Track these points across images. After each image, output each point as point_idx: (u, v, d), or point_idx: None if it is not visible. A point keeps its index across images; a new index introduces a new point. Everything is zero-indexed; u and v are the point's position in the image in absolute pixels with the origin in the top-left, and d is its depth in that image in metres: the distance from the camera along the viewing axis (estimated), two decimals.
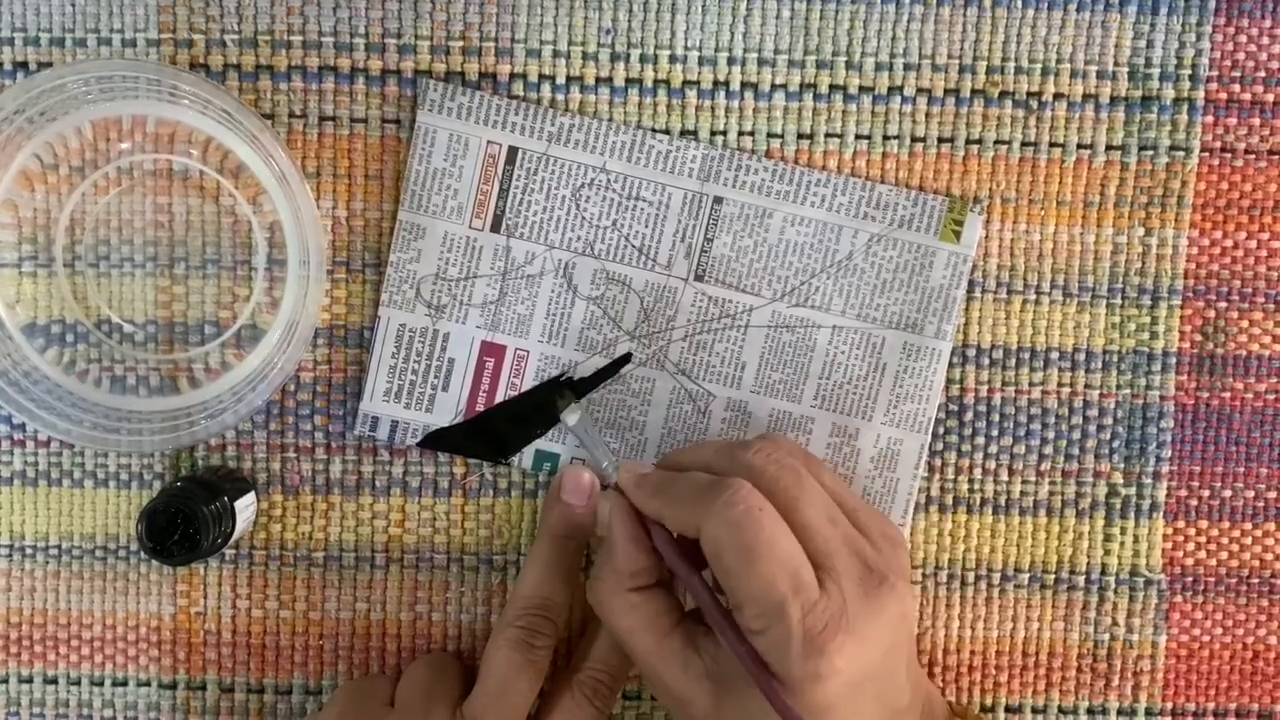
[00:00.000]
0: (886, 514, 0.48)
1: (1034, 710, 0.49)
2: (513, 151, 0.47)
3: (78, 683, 0.49)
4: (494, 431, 0.48)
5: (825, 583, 0.38)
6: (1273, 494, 0.49)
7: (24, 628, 0.48)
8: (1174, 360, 0.48)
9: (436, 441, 0.48)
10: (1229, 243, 0.48)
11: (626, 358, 0.47)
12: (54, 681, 0.49)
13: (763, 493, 0.39)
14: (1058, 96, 0.47)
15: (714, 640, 0.41)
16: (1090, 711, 0.49)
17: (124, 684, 0.49)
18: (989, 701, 0.49)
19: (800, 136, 0.47)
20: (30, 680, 0.48)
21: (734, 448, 0.42)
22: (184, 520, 0.43)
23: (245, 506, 0.46)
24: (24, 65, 0.46)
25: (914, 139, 0.47)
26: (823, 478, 0.42)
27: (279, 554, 0.48)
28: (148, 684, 0.49)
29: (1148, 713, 0.49)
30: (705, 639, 0.41)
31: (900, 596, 0.40)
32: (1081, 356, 0.48)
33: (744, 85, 0.47)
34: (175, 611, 0.48)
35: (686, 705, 0.41)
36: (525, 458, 0.48)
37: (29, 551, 0.48)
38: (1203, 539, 0.49)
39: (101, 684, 0.49)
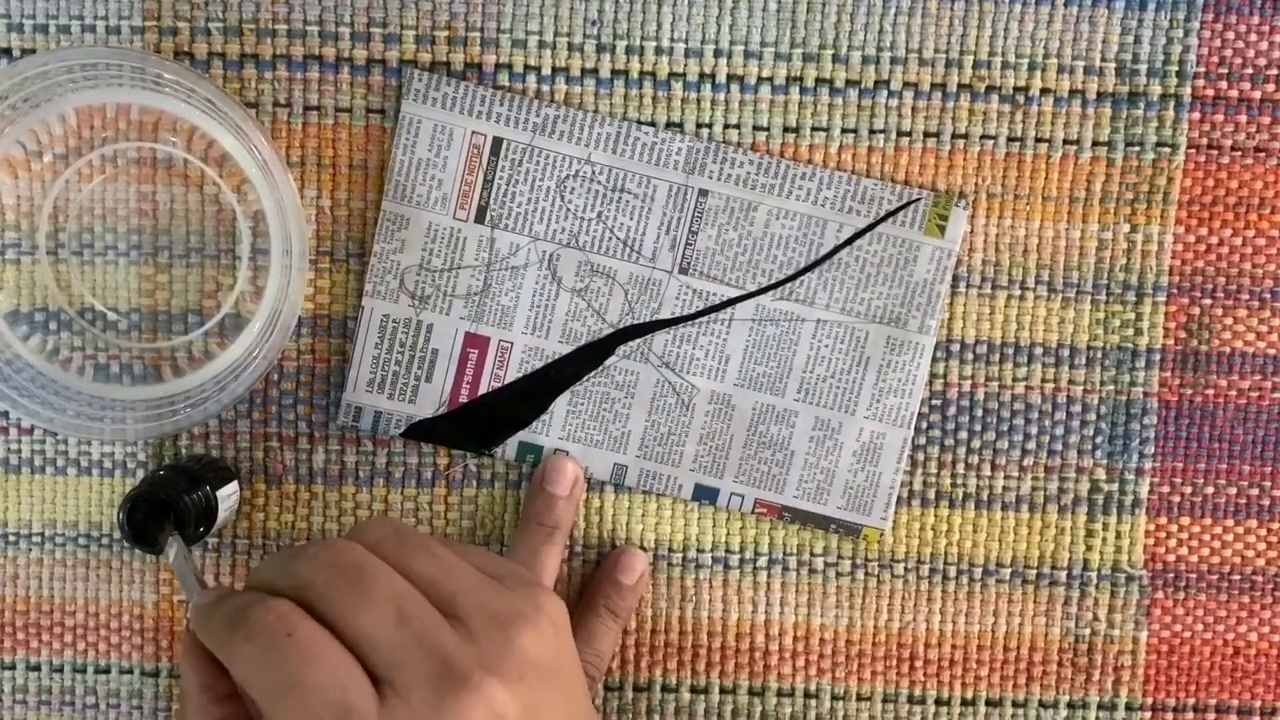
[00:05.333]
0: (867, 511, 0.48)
1: (1015, 704, 0.49)
2: (497, 142, 0.46)
3: (60, 670, 0.49)
4: (478, 422, 0.48)
5: (389, 699, 0.32)
6: (1255, 491, 0.49)
7: (7, 615, 0.48)
8: (1158, 357, 0.48)
9: (420, 432, 0.48)
10: (1214, 239, 0.48)
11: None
12: (37, 669, 0.49)
13: (317, 606, 0.33)
14: (1044, 92, 0.47)
15: None
16: (1071, 706, 0.49)
17: (106, 671, 0.49)
18: (969, 695, 0.49)
19: (786, 130, 0.47)
20: (13, 667, 0.49)
21: (292, 558, 0.35)
22: (166, 509, 0.43)
23: (228, 495, 0.46)
24: (7, 51, 0.46)
25: (900, 133, 0.47)
26: (413, 563, 0.35)
27: (261, 543, 0.48)
28: (130, 671, 0.49)
29: (1128, 708, 0.49)
30: None
31: (487, 697, 0.33)
32: (1065, 352, 0.48)
33: (730, 78, 0.47)
34: (158, 599, 0.48)
35: None
36: (509, 449, 0.48)
37: (12, 539, 0.48)
38: (1185, 535, 0.49)
39: (84, 671, 0.49)
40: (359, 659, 0.33)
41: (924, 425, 0.48)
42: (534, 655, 0.34)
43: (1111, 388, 0.48)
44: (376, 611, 0.33)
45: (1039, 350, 0.48)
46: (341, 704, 0.32)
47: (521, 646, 0.34)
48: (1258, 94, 0.47)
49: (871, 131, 0.47)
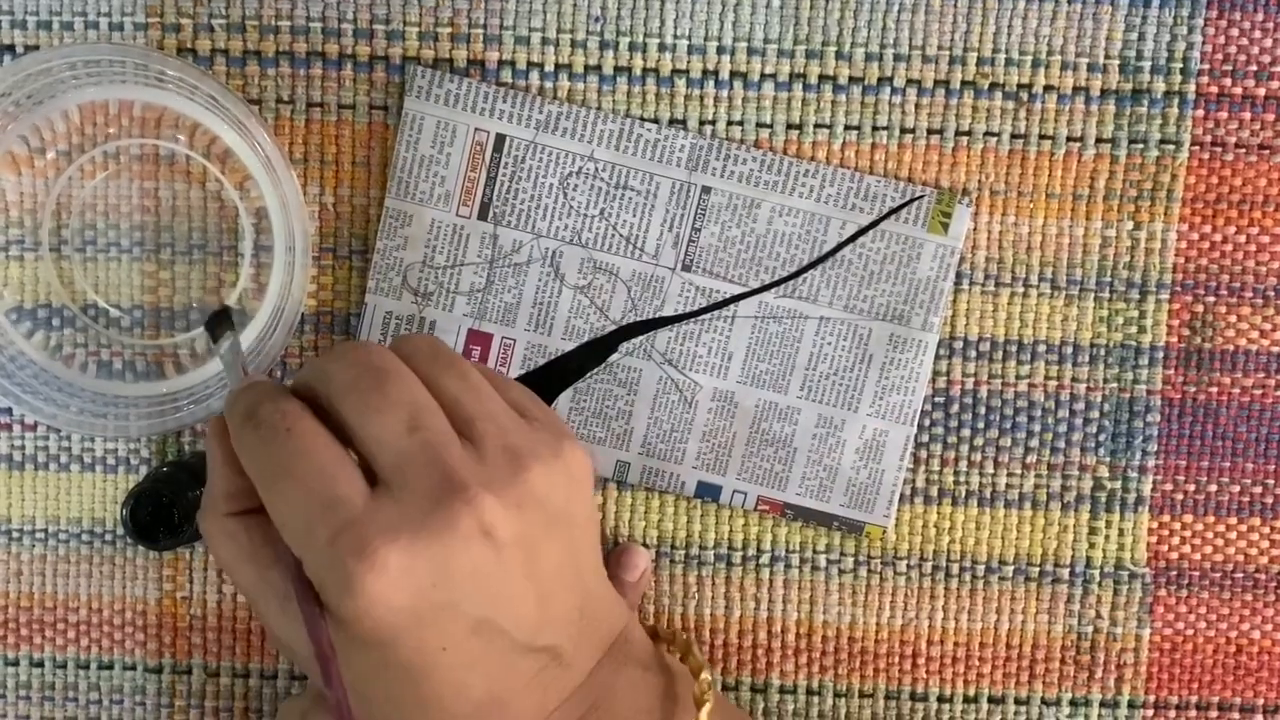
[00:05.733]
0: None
1: (1017, 701, 0.49)
2: (500, 139, 0.46)
3: (64, 666, 0.49)
4: None
5: (379, 496, 0.33)
6: (1258, 489, 0.49)
7: (10, 611, 0.49)
8: (1161, 354, 0.48)
9: None
10: (1218, 237, 0.48)
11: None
12: (40, 665, 0.49)
13: (333, 402, 0.34)
14: (1048, 89, 0.47)
15: None
16: (1073, 703, 0.49)
17: (110, 668, 0.49)
18: (972, 692, 0.49)
19: (789, 126, 0.47)
20: (16, 663, 0.49)
21: (326, 355, 0.36)
22: (169, 505, 0.43)
23: None
24: (10, 48, 0.46)
25: (903, 130, 0.47)
26: (441, 379, 0.35)
27: None
28: (133, 668, 0.49)
29: (1130, 705, 0.49)
30: None
31: (479, 510, 0.33)
32: (1069, 350, 0.48)
33: (733, 74, 0.47)
34: (161, 596, 0.48)
35: (288, 648, 0.36)
36: None
37: (15, 535, 0.48)
38: (1188, 533, 0.49)
39: (87, 667, 0.49)
40: (365, 459, 0.34)
41: (927, 422, 0.48)
42: (541, 494, 0.34)
43: (1115, 385, 0.48)
44: (389, 414, 0.33)
45: (1042, 348, 0.48)
46: (328, 496, 0.33)
47: (529, 480, 0.34)
48: (1262, 91, 0.47)
49: (875, 128, 0.47)
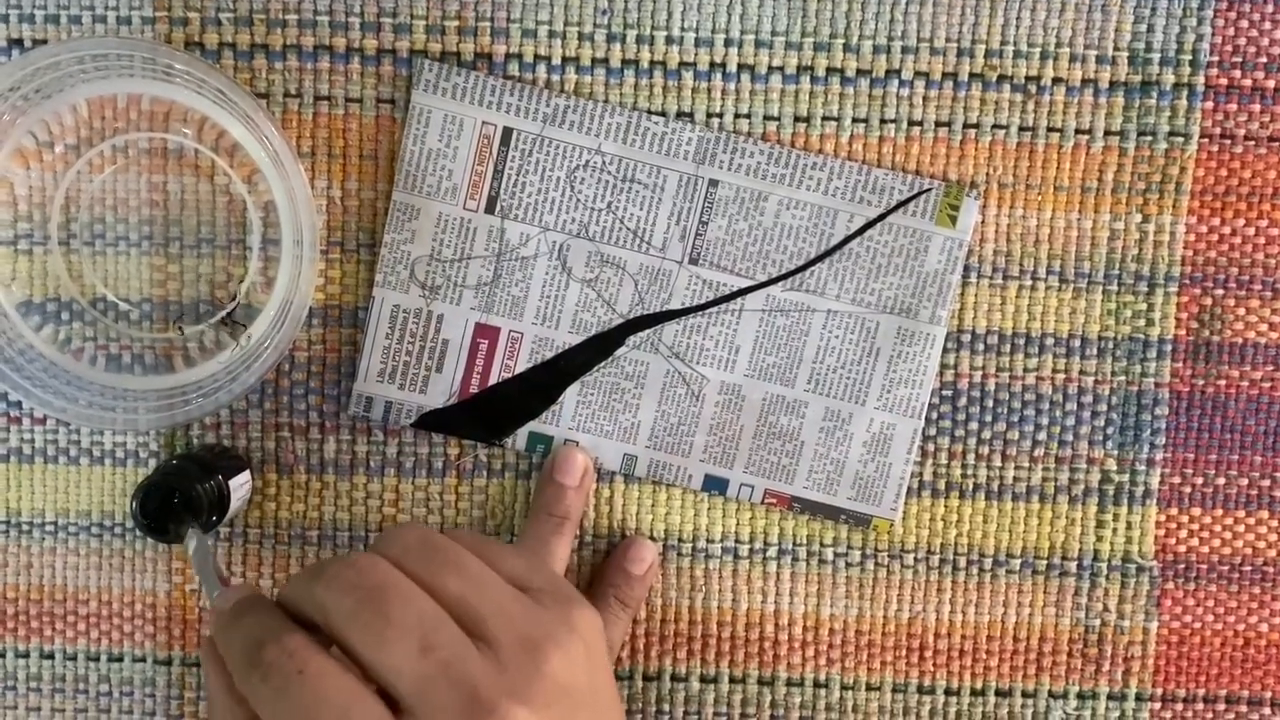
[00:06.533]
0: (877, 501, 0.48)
1: (1024, 694, 0.49)
2: (507, 132, 0.46)
3: (74, 658, 0.49)
4: (488, 413, 0.48)
5: None
6: (1266, 482, 0.49)
7: (20, 603, 0.49)
8: (1169, 347, 0.48)
9: (431, 422, 0.48)
10: (1227, 230, 0.48)
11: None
12: (50, 657, 0.49)
13: (338, 633, 0.33)
14: (1056, 81, 0.47)
15: None
16: (1081, 696, 0.49)
17: (120, 660, 0.49)
18: (979, 685, 0.49)
19: (797, 119, 0.47)
20: (27, 655, 0.49)
21: (313, 579, 0.34)
22: (178, 498, 0.43)
23: (240, 485, 0.46)
24: (19, 42, 0.46)
25: (911, 123, 0.47)
26: (442, 580, 0.34)
27: (273, 532, 0.48)
28: (143, 660, 0.49)
29: (1138, 698, 0.49)
30: None
31: None
32: (1077, 343, 0.48)
33: (740, 67, 0.47)
34: (170, 589, 0.49)
35: None
36: (519, 439, 0.48)
37: (25, 528, 0.48)
38: (1195, 526, 0.49)
39: (97, 659, 0.49)
40: (383, 685, 0.33)
41: (934, 416, 0.48)
42: (565, 682, 0.34)
43: (1123, 378, 0.48)
44: (400, 640, 0.33)
45: (1050, 341, 0.48)
46: None
47: (551, 672, 0.34)
48: (1271, 83, 0.47)
49: (883, 121, 0.47)
